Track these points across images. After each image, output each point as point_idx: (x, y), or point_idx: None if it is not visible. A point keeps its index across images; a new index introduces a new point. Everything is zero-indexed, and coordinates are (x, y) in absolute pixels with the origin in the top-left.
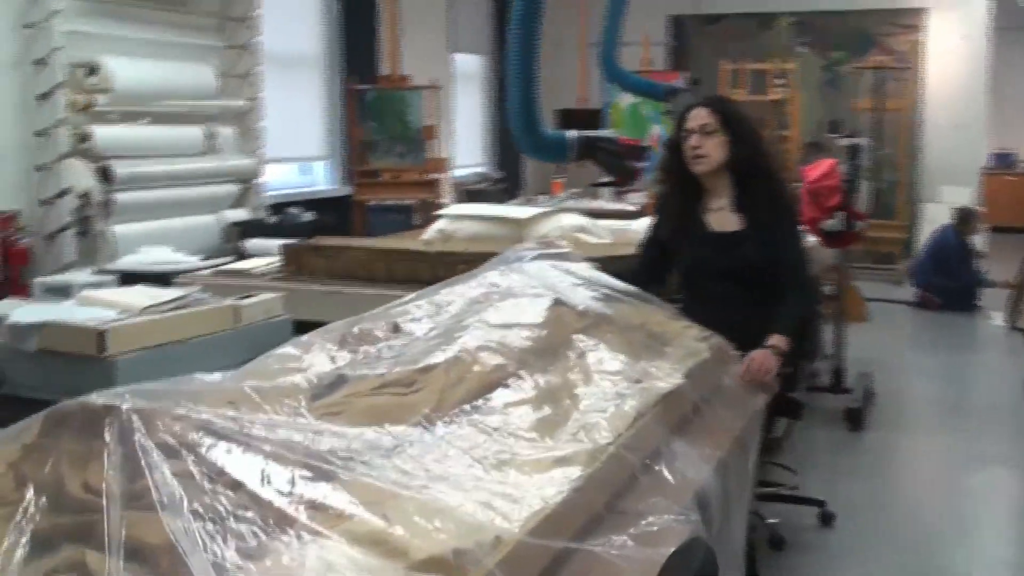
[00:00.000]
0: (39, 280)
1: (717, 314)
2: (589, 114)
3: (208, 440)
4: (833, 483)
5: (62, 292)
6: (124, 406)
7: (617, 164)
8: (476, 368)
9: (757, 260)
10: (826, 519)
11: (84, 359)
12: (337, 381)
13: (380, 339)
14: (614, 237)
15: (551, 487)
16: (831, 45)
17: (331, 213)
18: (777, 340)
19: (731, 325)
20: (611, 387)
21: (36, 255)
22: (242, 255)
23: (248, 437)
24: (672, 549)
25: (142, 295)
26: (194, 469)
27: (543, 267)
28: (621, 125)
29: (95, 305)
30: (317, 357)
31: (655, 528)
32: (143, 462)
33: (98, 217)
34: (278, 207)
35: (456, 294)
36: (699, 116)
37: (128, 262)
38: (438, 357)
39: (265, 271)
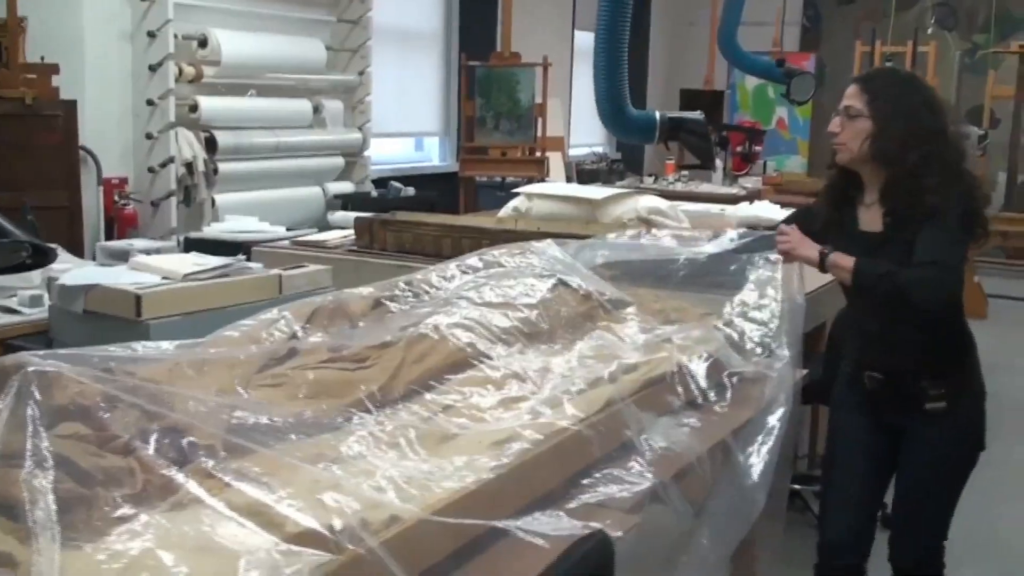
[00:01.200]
0: (101, 244)
1: (860, 332)
2: (713, 95)
3: (104, 406)
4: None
5: (121, 256)
6: (30, 368)
7: (702, 146)
8: (442, 346)
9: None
10: None
11: (123, 322)
12: (288, 353)
13: (356, 315)
14: (692, 221)
15: (480, 467)
16: (975, 28)
17: (441, 189)
18: (840, 258)
19: (869, 349)
20: (599, 370)
21: (143, 220)
22: (327, 227)
23: (147, 404)
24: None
25: (188, 262)
26: (83, 432)
27: (556, 250)
28: (747, 107)
29: (144, 271)
30: (281, 329)
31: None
32: (28, 421)
33: (201, 186)
34: (382, 181)
35: (454, 271)
36: (848, 94)
37: (212, 230)
38: (400, 334)
39: (340, 243)
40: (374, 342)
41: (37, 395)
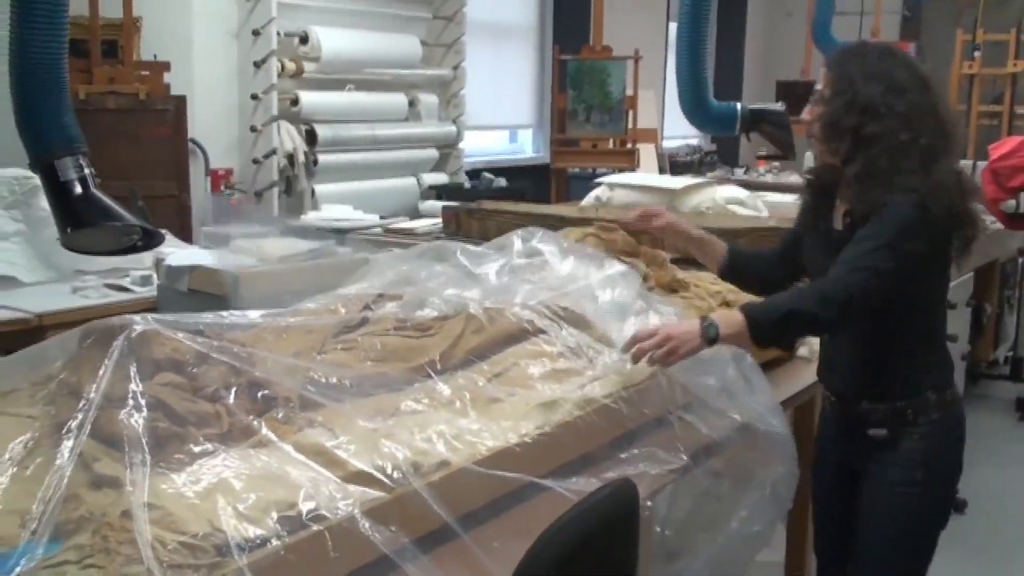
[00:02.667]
0: (205, 229)
1: (823, 343)
2: (806, 86)
3: (195, 361)
4: (980, 471)
5: (223, 241)
6: (134, 326)
7: (783, 137)
8: (501, 320)
9: None
10: (957, 506)
11: (222, 300)
12: (360, 322)
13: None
14: (771, 211)
15: (523, 428)
16: None
17: (533, 180)
18: (727, 319)
19: (823, 364)
20: None
21: (247, 210)
22: (419, 216)
23: (233, 361)
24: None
25: (283, 246)
26: (177, 380)
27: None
28: None
29: (242, 253)
30: (355, 302)
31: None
32: (130, 371)
33: (301, 176)
34: (476, 173)
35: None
36: (820, 77)
37: (310, 218)
38: (461, 308)
39: (429, 230)
40: (435, 313)
41: (139, 350)
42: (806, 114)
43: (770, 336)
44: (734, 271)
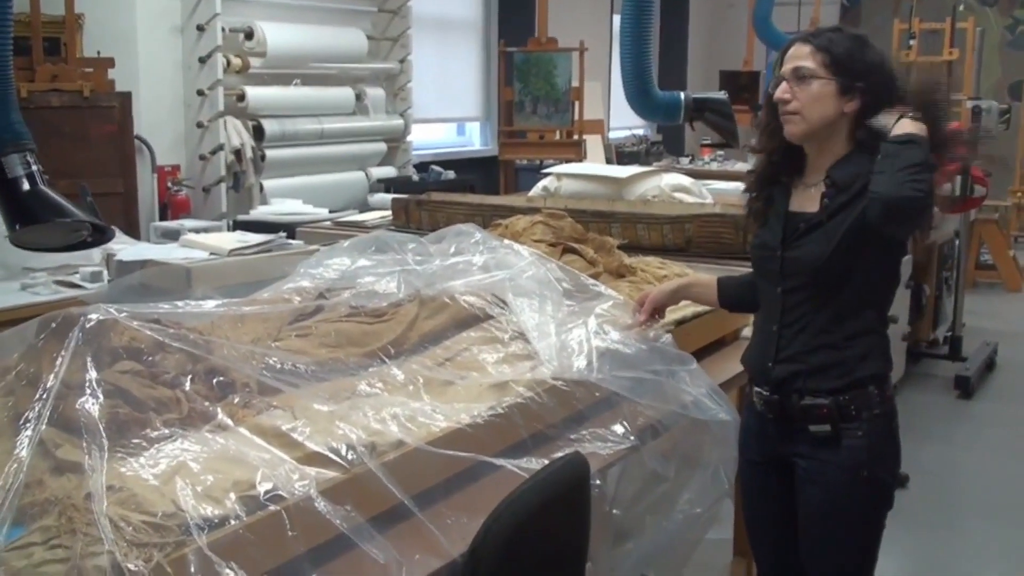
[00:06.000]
0: (154, 224)
1: (762, 335)
2: (749, 76)
3: (154, 349)
4: (922, 448)
5: (173, 236)
6: (91, 315)
7: (726, 125)
8: (452, 306)
9: (819, 257)
10: (900, 481)
11: (174, 294)
12: (314, 310)
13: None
14: (716, 198)
15: (475, 409)
16: (1017, 2)
17: (482, 172)
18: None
19: (776, 354)
20: (594, 327)
21: (195, 205)
22: (368, 209)
23: (191, 349)
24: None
25: (233, 239)
26: (137, 368)
27: None
28: None
29: (193, 247)
30: (309, 290)
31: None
32: (88, 360)
33: (249, 172)
34: (424, 166)
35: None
36: (796, 55)
37: (259, 212)
38: (414, 294)
39: (378, 223)
40: (388, 300)
41: (96, 339)
42: (784, 93)
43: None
44: (729, 304)
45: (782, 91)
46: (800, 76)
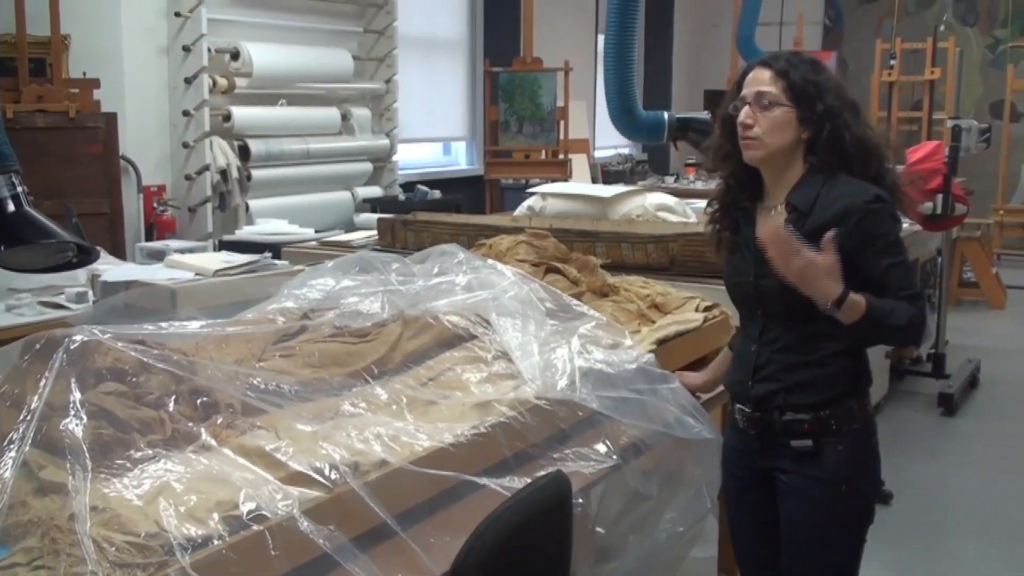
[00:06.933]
0: (140, 245)
1: (741, 354)
2: None
3: (138, 370)
4: (906, 465)
5: (158, 256)
6: (75, 337)
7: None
8: (435, 326)
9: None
10: (883, 498)
11: (160, 314)
12: (298, 330)
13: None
14: (699, 216)
15: (458, 429)
16: (996, 22)
17: (468, 192)
18: (855, 299)
19: (757, 371)
20: (577, 347)
21: (181, 225)
22: (354, 229)
23: (176, 369)
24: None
25: (218, 260)
26: (121, 389)
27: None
28: None
29: (178, 267)
30: (293, 310)
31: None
32: (72, 381)
33: (235, 192)
34: (410, 185)
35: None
36: (757, 79)
37: (245, 232)
38: (397, 314)
39: (364, 242)
40: (372, 320)
41: (80, 360)
42: (747, 117)
43: (863, 330)
44: None
45: (745, 115)
46: (763, 103)
